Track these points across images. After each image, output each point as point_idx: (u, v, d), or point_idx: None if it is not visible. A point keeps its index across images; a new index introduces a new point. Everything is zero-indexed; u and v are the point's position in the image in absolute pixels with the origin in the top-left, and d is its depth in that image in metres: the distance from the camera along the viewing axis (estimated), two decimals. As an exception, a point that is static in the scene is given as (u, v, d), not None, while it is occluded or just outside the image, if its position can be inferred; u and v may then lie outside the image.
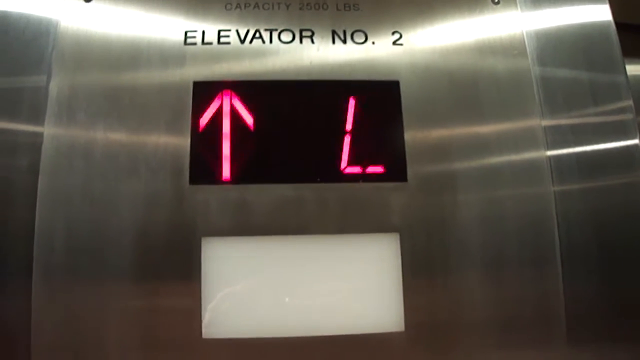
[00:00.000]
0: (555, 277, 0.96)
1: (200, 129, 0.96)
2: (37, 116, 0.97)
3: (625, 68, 1.08)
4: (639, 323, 0.98)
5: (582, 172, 1.01)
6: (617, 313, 0.97)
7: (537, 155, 1.01)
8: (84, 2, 1.03)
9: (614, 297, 0.98)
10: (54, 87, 0.98)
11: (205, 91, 0.98)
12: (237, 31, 1.03)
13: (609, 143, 1.04)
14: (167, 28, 1.02)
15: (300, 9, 1.05)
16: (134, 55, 1.00)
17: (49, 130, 0.96)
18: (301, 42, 1.03)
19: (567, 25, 1.11)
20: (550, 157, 1.01)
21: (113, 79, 0.99)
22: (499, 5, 1.09)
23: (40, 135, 0.95)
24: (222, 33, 1.02)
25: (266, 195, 0.95)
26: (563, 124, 1.03)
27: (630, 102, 1.06)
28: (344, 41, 1.03)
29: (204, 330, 0.90)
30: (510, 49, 1.06)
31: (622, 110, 1.05)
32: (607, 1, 1.13)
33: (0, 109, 0.97)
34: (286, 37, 1.03)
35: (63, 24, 1.02)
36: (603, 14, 1.12)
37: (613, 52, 1.09)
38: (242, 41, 1.02)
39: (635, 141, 1.03)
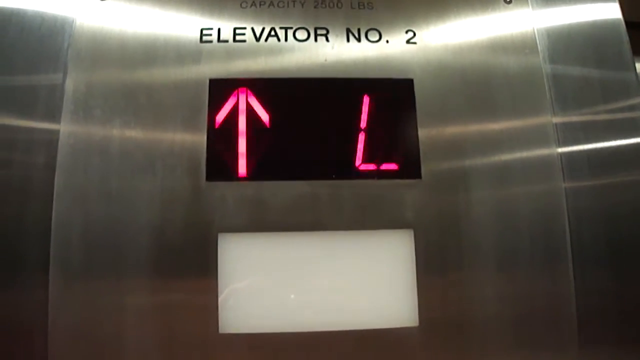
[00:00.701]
0: (566, 274, 0.97)
1: (217, 126, 0.97)
2: (53, 114, 0.97)
3: (635, 66, 1.09)
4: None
5: (593, 169, 1.02)
6: (628, 310, 0.98)
7: (549, 152, 1.02)
8: (99, 0, 1.04)
9: (625, 295, 0.98)
10: (69, 84, 0.99)
11: (221, 89, 0.99)
12: (252, 29, 1.04)
13: (620, 140, 1.04)
14: (183, 26, 1.03)
15: (315, 7, 1.06)
16: (150, 53, 1.01)
17: (65, 128, 0.97)
18: (316, 40, 1.04)
19: (578, 23, 1.11)
20: (561, 154, 1.02)
21: (129, 76, 1.00)
22: (511, 4, 1.10)
23: (56, 132, 0.96)
24: (237, 31, 1.03)
25: (282, 191, 0.96)
26: (574, 121, 1.04)
27: None
28: (359, 39, 1.04)
29: (220, 325, 0.91)
30: (522, 47, 1.07)
31: (632, 108, 1.06)
32: (617, -1, 1.13)
33: (17, 107, 0.98)
34: (301, 35, 1.04)
35: (79, 22, 1.03)
36: (613, 12, 1.13)
37: (623, 50, 1.10)
38: (258, 39, 1.03)
39: (645, 138, 1.04)
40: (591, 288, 0.97)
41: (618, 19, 1.12)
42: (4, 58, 1.01)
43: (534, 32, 1.09)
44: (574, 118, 1.04)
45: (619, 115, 1.06)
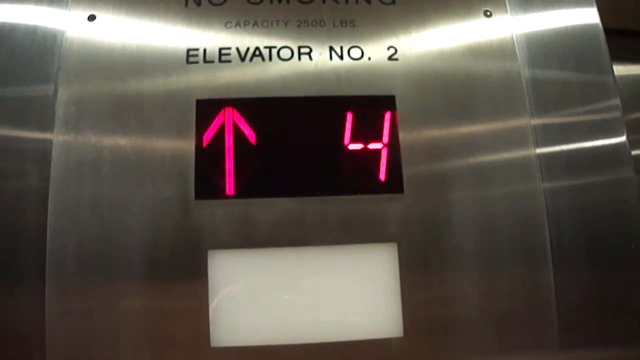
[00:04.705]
0: (546, 277, 0.99)
1: (204, 146, 0.99)
2: (45, 128, 1.00)
3: (612, 68, 1.11)
4: (627, 320, 1.01)
5: (571, 170, 1.04)
6: (608, 310, 1.01)
7: (527, 154, 1.04)
8: (88, 21, 1.05)
9: (605, 294, 1.01)
10: (60, 105, 1.01)
11: (207, 109, 1.01)
12: (237, 49, 1.05)
13: (597, 141, 1.06)
14: (170, 47, 1.04)
15: (298, 26, 1.07)
16: (138, 74, 1.02)
17: (57, 146, 0.99)
18: (300, 58, 1.05)
19: (556, 29, 1.13)
20: (539, 155, 1.04)
21: (117, 98, 1.01)
22: (491, 18, 1.12)
23: (49, 143, 0.99)
24: (223, 51, 1.04)
25: (269, 208, 0.98)
26: (552, 123, 1.06)
27: (618, 101, 1.08)
28: (341, 57, 1.06)
29: (212, 339, 0.94)
30: (501, 53, 1.09)
31: (609, 109, 1.08)
32: (595, 5, 1.15)
33: (10, 119, 1.01)
34: (285, 54, 1.05)
35: (68, 41, 1.04)
36: (591, 17, 1.15)
37: (601, 54, 1.12)
38: (243, 59, 1.04)
39: (622, 139, 1.06)
40: (570, 287, 1.00)
41: (596, 24, 1.14)
42: None
43: (513, 38, 1.11)
44: (552, 120, 1.07)
45: (597, 117, 1.08)
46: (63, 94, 1.01)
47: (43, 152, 0.98)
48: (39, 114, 1.01)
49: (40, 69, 1.03)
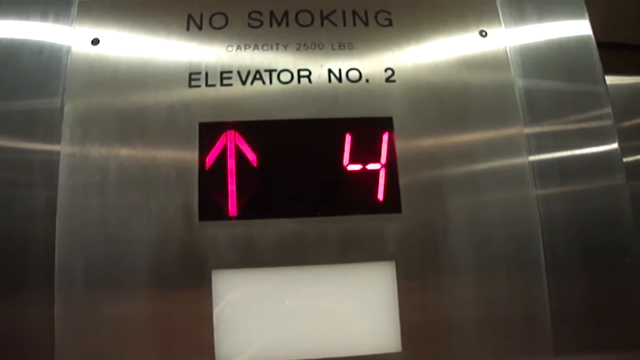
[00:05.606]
0: (540, 282, 1.02)
1: (207, 168, 1.01)
2: (52, 141, 1.02)
3: (604, 77, 1.13)
4: (621, 326, 1.03)
5: (564, 177, 1.07)
6: (601, 316, 1.03)
7: (520, 162, 1.07)
8: (91, 45, 1.07)
9: (598, 300, 1.03)
10: (66, 124, 1.03)
11: (210, 132, 1.03)
12: (238, 72, 1.07)
13: (589, 148, 1.09)
14: (172, 71, 1.06)
15: (298, 49, 1.09)
16: (141, 98, 1.04)
17: (65, 153, 1.01)
18: (299, 81, 1.07)
19: (549, 40, 1.16)
20: (532, 163, 1.07)
21: (122, 123, 1.03)
22: (486, 37, 1.13)
23: (57, 154, 1.01)
24: (224, 75, 1.06)
25: (271, 229, 1.00)
26: (545, 131, 1.09)
27: (609, 109, 1.10)
28: (339, 79, 1.07)
29: (216, 356, 0.96)
30: (495, 66, 1.11)
31: (601, 117, 1.10)
32: (587, 17, 1.17)
33: (17, 131, 1.03)
34: (285, 77, 1.07)
35: (72, 62, 1.06)
36: (583, 28, 1.17)
37: (592, 64, 1.14)
38: (244, 82, 1.06)
39: (614, 146, 1.09)
40: (565, 294, 1.02)
41: (588, 35, 1.16)
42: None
43: (507, 50, 1.13)
44: (545, 128, 1.09)
45: (588, 125, 1.10)
46: (69, 112, 1.03)
47: (50, 163, 1.01)
48: (46, 128, 1.03)
49: (46, 87, 1.05)
